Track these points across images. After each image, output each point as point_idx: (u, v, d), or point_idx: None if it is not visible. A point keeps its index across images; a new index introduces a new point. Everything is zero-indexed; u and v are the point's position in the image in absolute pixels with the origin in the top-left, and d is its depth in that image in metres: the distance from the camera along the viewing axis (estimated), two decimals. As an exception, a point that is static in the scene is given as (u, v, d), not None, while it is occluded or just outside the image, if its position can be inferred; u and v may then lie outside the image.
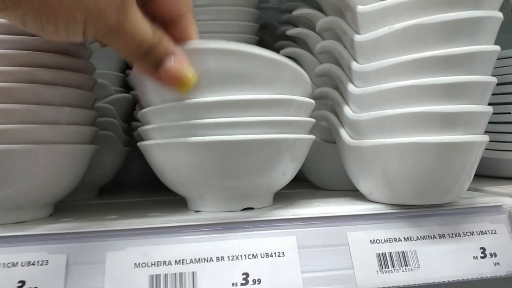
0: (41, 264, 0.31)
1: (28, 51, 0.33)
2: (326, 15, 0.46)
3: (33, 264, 0.31)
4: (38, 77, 0.33)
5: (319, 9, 0.48)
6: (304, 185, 0.54)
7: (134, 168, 0.67)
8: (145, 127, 0.36)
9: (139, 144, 0.37)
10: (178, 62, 0.29)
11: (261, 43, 0.58)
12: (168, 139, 0.34)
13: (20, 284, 0.30)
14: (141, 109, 0.36)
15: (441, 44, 0.34)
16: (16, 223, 0.34)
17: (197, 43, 0.31)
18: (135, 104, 0.56)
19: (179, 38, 0.31)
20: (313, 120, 0.38)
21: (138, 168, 0.69)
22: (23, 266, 0.31)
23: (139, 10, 0.28)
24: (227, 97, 0.32)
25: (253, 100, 0.32)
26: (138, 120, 0.53)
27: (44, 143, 0.33)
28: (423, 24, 0.34)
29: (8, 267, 0.31)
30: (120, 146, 0.52)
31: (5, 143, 0.31)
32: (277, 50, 0.55)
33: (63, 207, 0.42)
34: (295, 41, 0.54)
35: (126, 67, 0.59)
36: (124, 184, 0.67)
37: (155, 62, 0.29)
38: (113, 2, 0.25)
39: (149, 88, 0.34)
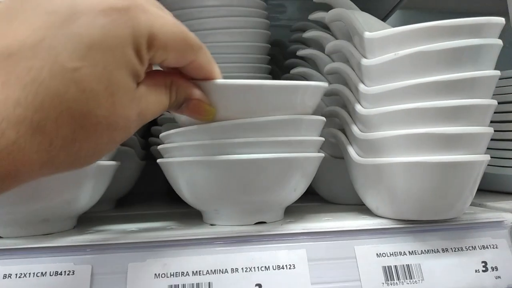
0: (68, 274, 0.33)
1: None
2: (335, 36, 0.49)
3: (61, 274, 0.33)
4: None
5: (328, 28, 0.50)
6: (313, 199, 0.56)
7: (148, 180, 0.69)
8: (166, 145, 0.38)
9: (159, 161, 0.39)
10: (195, 104, 0.32)
11: (272, 60, 0.61)
12: (187, 157, 0.36)
13: (49, 294, 0.32)
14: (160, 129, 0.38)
15: (444, 69, 0.36)
16: (43, 235, 0.36)
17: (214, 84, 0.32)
18: (151, 120, 0.59)
19: (197, 76, 0.31)
20: (322, 139, 0.39)
21: (152, 180, 0.71)
22: (51, 276, 0.33)
23: (147, 85, 0.27)
24: (242, 119, 0.34)
25: (264, 121, 0.34)
26: (154, 136, 0.55)
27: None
28: (427, 51, 0.35)
29: (38, 276, 0.33)
30: (138, 160, 0.54)
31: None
32: (287, 67, 0.57)
33: (85, 219, 0.44)
34: (305, 59, 0.56)
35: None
36: (139, 195, 0.70)
37: (176, 108, 0.31)
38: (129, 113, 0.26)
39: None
